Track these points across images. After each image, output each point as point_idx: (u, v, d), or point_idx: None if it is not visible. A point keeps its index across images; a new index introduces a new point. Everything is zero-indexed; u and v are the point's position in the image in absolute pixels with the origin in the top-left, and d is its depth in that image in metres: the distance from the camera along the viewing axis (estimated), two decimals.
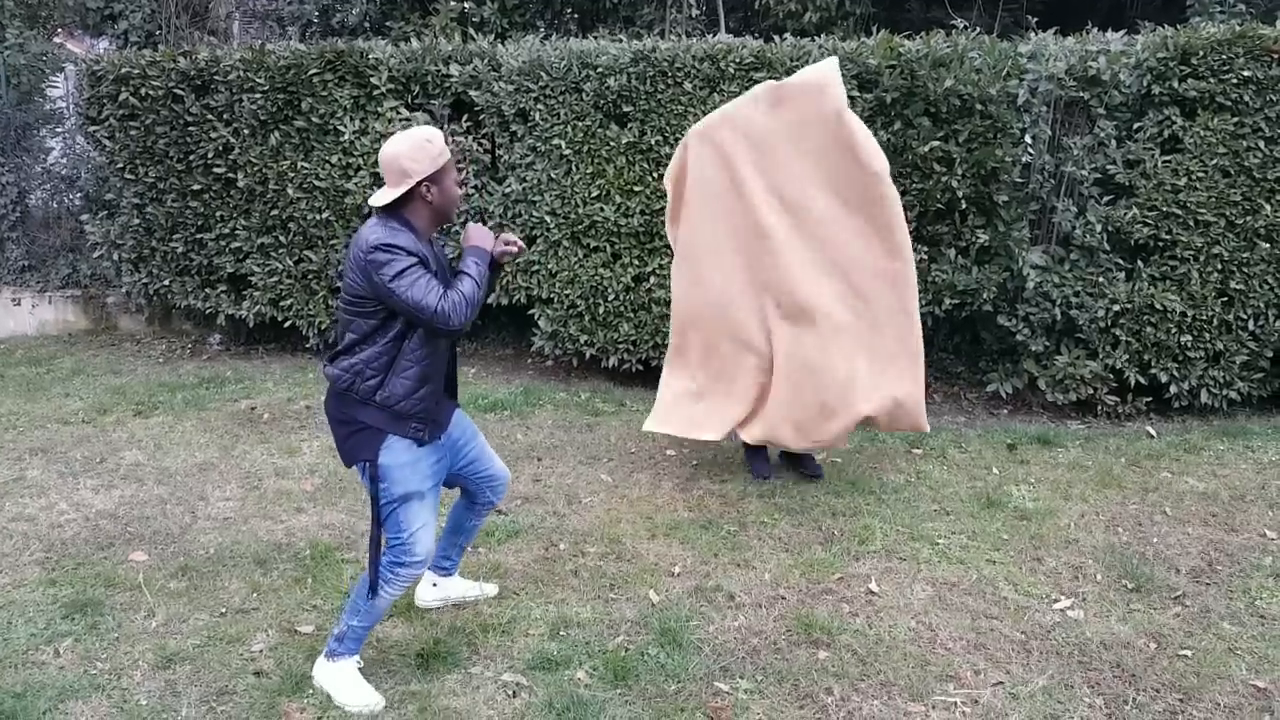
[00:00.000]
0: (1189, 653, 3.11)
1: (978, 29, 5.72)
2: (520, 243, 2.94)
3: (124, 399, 5.89)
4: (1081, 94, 5.28)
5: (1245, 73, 5.09)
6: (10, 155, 8.00)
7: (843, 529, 4.02)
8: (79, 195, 8.09)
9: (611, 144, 5.80)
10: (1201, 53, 5.13)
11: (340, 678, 2.85)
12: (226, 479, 4.59)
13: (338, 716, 2.77)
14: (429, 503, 2.84)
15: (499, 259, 2.92)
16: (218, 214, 6.64)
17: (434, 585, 3.36)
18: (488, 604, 3.39)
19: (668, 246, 5.24)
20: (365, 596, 2.82)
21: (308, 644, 3.11)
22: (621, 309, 5.95)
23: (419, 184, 2.70)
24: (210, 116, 6.47)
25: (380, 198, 2.70)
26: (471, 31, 7.34)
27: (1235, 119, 5.15)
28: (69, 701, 2.85)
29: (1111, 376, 5.44)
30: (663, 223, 5.32)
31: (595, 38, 6.19)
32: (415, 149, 2.69)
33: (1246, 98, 5.13)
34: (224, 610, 3.38)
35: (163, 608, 3.39)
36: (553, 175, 5.94)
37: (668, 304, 5.22)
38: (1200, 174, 5.21)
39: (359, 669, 2.89)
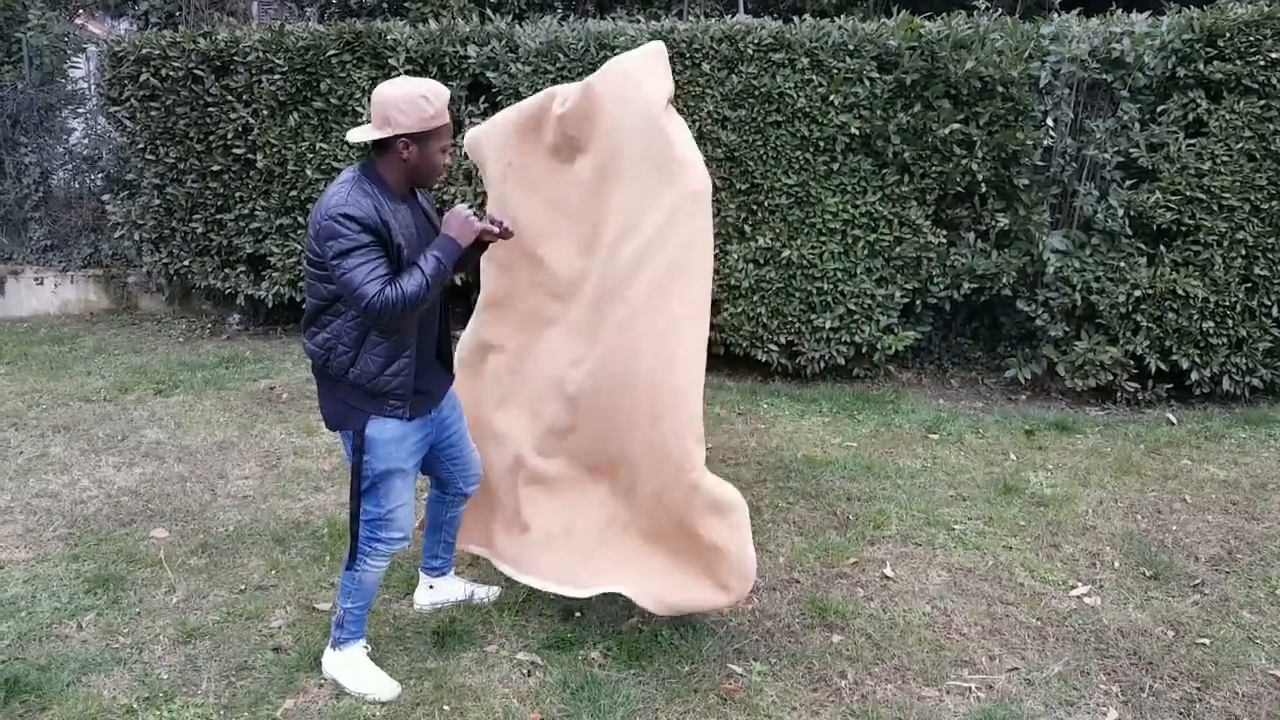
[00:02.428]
0: (1207, 641, 3.10)
1: (999, 10, 5.65)
2: (507, 226, 2.71)
3: (145, 378, 5.95)
4: (1105, 76, 5.21)
5: (1273, 55, 5.00)
6: (33, 136, 8.06)
7: (858, 513, 4.01)
8: (100, 175, 8.14)
9: None
10: (1228, 34, 5.05)
11: (350, 666, 2.82)
12: (246, 457, 4.63)
13: (354, 692, 2.80)
14: (410, 480, 2.77)
15: (482, 238, 2.69)
16: (237, 195, 6.67)
17: (430, 588, 3.27)
18: (504, 584, 3.40)
19: None
20: (351, 575, 2.77)
21: (326, 621, 3.14)
22: None
23: (397, 138, 2.52)
24: (230, 97, 6.49)
25: (356, 134, 2.53)
26: (489, 12, 7.32)
27: (1262, 102, 5.07)
28: (91, 674, 2.89)
29: (1132, 363, 5.39)
30: None
31: (613, 19, 6.16)
32: (408, 101, 2.49)
33: (1274, 80, 5.04)
34: (243, 587, 3.41)
35: (183, 584, 3.43)
36: None
37: None
38: (1225, 158, 5.13)
39: (368, 653, 2.88)
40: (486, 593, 3.31)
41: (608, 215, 2.96)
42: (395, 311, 2.46)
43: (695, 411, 2.80)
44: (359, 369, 2.59)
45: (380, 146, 2.56)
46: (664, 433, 2.79)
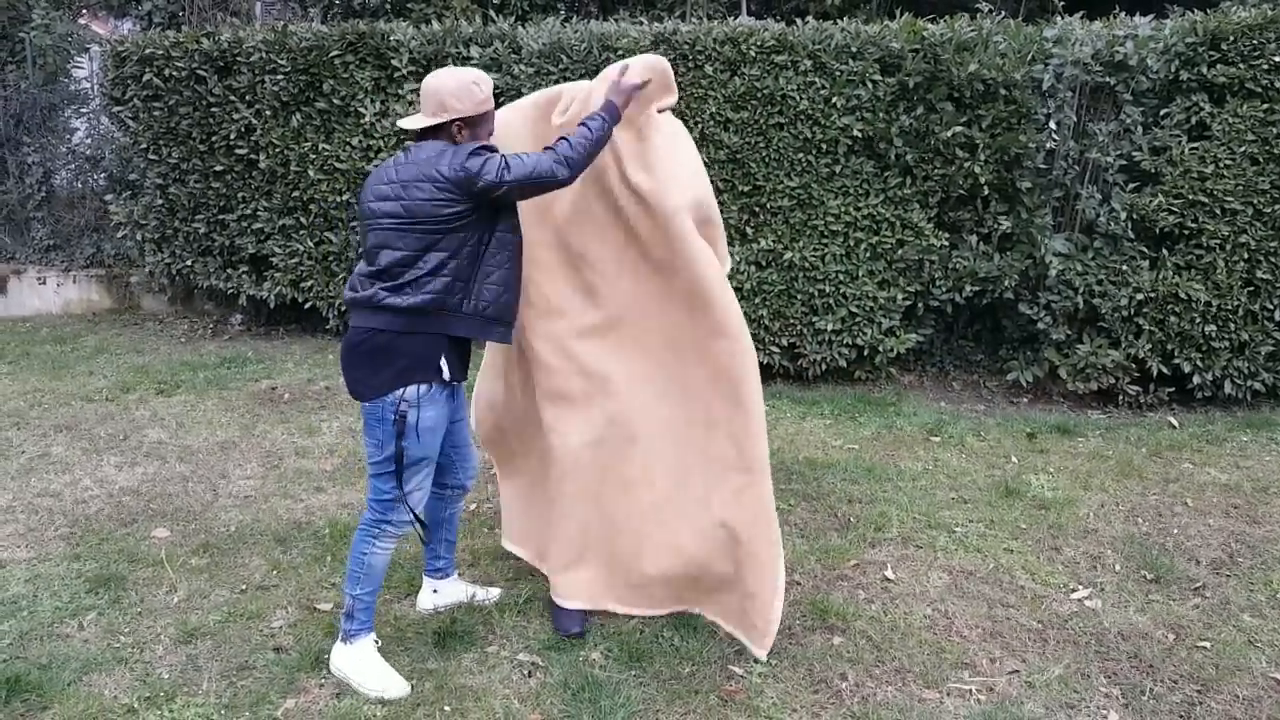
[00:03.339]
0: (1208, 644, 3.09)
1: (1003, 13, 5.65)
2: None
3: (147, 377, 5.95)
4: (1107, 79, 5.21)
5: (1276, 58, 5.01)
6: (36, 135, 8.07)
7: (859, 516, 4.01)
8: (103, 175, 8.15)
9: None
10: (1232, 38, 5.05)
11: (361, 662, 2.82)
12: (247, 458, 4.64)
13: (357, 692, 2.80)
14: (433, 468, 2.88)
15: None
16: (240, 195, 6.68)
17: (434, 592, 3.27)
18: (504, 584, 3.41)
19: None
20: (359, 560, 2.81)
21: (327, 621, 3.14)
22: None
23: (452, 123, 2.72)
24: (233, 98, 6.50)
25: (411, 121, 2.73)
26: (492, 13, 7.32)
27: (1265, 105, 5.07)
28: (93, 674, 2.89)
29: (1134, 366, 5.39)
30: None
31: (616, 20, 6.16)
32: (461, 89, 2.70)
33: (1277, 84, 5.05)
34: (244, 587, 3.42)
35: (184, 583, 3.43)
36: None
37: None
38: (1228, 161, 5.13)
39: (378, 648, 2.87)
40: (487, 594, 3.31)
41: (614, 225, 3.02)
42: (582, 159, 2.71)
43: (758, 418, 2.90)
44: (475, 298, 2.72)
45: (432, 129, 2.73)
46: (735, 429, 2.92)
